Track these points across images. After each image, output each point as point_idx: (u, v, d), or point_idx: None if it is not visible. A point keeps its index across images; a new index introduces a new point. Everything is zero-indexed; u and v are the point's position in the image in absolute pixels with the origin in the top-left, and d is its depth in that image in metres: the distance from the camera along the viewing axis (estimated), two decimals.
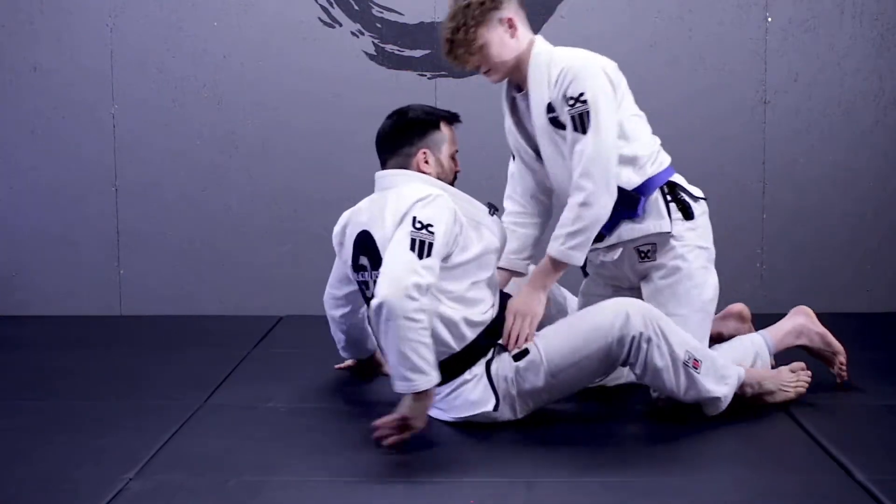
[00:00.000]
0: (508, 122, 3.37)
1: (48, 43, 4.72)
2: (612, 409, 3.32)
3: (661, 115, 4.70)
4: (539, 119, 3.19)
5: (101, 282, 4.82)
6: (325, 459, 2.92)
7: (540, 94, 3.16)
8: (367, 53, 4.72)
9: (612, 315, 3.02)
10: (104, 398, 3.53)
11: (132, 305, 4.82)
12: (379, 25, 4.70)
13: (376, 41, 4.72)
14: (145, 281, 4.81)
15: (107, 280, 4.82)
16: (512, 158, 3.47)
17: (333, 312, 3.54)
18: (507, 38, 3.18)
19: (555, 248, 3.12)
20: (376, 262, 3.06)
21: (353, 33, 4.72)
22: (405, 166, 3.22)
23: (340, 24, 4.71)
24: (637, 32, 4.68)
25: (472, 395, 3.08)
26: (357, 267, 3.20)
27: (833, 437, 3.01)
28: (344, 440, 3.07)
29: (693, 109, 4.70)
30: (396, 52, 4.71)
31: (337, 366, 3.76)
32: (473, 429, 3.10)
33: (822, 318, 4.57)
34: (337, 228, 3.35)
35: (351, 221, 3.25)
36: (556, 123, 3.15)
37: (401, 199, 3.06)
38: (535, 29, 4.63)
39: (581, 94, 3.08)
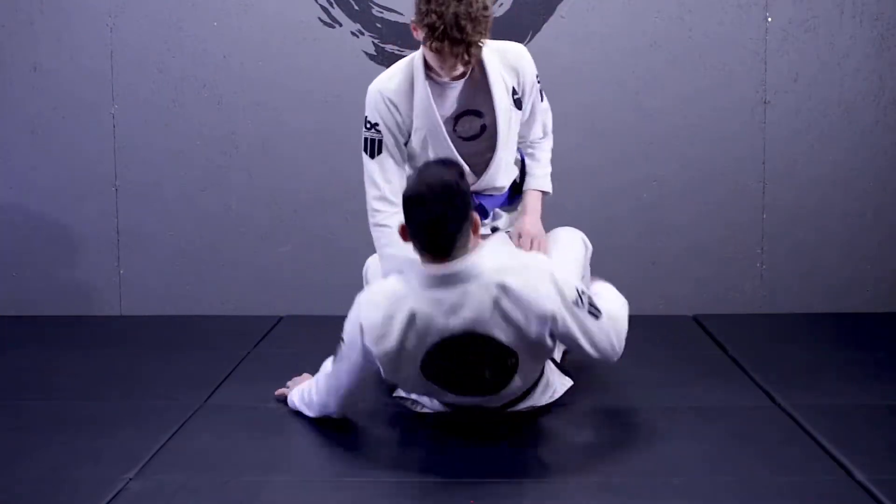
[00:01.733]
0: (430, 113, 3.30)
1: (48, 43, 4.72)
2: (612, 410, 3.32)
3: (661, 115, 4.72)
4: (503, 102, 3.36)
5: (101, 282, 4.82)
6: (325, 459, 2.92)
7: (500, 81, 3.36)
8: (367, 53, 4.72)
9: (581, 240, 3.54)
10: (104, 398, 3.53)
11: (132, 305, 4.81)
12: (379, 25, 4.70)
13: (376, 41, 4.72)
14: (145, 281, 4.81)
15: (107, 280, 4.82)
16: (371, 155, 3.37)
17: (342, 412, 3.16)
18: None
19: (548, 184, 3.59)
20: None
21: (353, 33, 4.72)
22: (467, 243, 2.88)
23: (340, 24, 4.71)
24: (637, 32, 4.68)
25: (554, 377, 3.23)
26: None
27: (833, 437, 3.01)
28: (344, 440, 3.07)
29: (693, 109, 4.70)
30: (396, 52, 4.71)
31: (278, 392, 3.45)
32: (473, 428, 3.10)
33: (822, 317, 4.61)
34: (377, 333, 2.91)
35: (430, 325, 2.86)
36: (517, 104, 3.43)
37: (544, 283, 2.86)
38: (536, 29, 4.67)
39: (536, 72, 3.47)
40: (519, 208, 3.60)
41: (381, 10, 4.69)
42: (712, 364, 3.89)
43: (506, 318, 2.84)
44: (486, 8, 3.12)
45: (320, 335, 4.36)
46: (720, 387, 3.56)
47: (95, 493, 2.68)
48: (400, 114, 3.33)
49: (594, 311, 2.94)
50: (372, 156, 3.37)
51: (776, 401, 3.40)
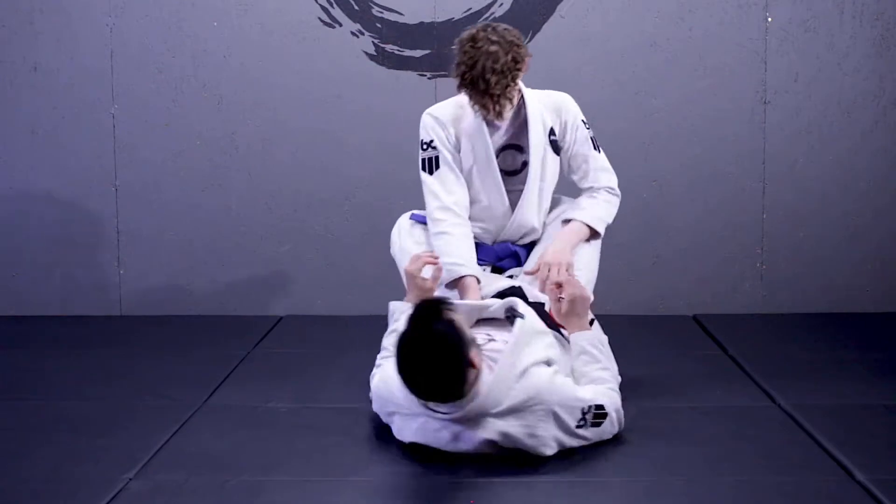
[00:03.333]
0: (482, 138, 3.45)
1: (48, 43, 4.72)
2: None
3: (661, 115, 4.72)
4: (539, 138, 3.46)
5: (101, 282, 4.82)
6: (325, 459, 2.92)
7: (539, 119, 3.46)
8: (367, 53, 4.72)
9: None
10: (104, 398, 3.53)
11: (132, 305, 4.81)
12: (379, 25, 4.70)
13: (376, 41, 4.72)
14: (145, 281, 4.81)
15: (107, 280, 4.82)
16: (430, 172, 3.48)
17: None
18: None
19: (596, 221, 3.51)
20: None
21: (353, 33, 4.72)
22: (467, 387, 2.77)
23: (340, 24, 4.71)
24: (637, 32, 4.68)
25: None
26: None
27: (833, 437, 3.01)
28: (344, 440, 3.07)
29: (693, 109, 4.70)
30: (396, 52, 4.71)
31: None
32: None
33: (822, 318, 4.61)
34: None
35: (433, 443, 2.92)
36: (554, 146, 3.50)
37: (546, 425, 2.86)
38: (536, 29, 4.67)
39: (585, 119, 3.55)
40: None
41: (381, 10, 4.70)
42: (712, 364, 3.89)
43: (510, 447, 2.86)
44: (515, 61, 3.28)
45: (320, 335, 4.38)
46: (720, 387, 3.56)
47: (95, 493, 2.67)
48: (449, 131, 3.48)
49: (598, 421, 2.94)
50: (430, 172, 3.48)
51: (776, 401, 3.40)
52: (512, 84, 3.29)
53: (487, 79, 3.24)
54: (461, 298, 3.34)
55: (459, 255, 3.40)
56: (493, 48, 3.26)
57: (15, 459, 2.93)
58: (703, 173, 4.73)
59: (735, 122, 4.71)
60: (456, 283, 3.41)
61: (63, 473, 2.82)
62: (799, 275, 4.75)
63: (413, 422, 2.90)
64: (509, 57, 3.27)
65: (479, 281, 3.40)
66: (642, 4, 4.67)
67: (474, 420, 2.80)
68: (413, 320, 2.73)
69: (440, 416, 2.82)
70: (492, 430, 2.81)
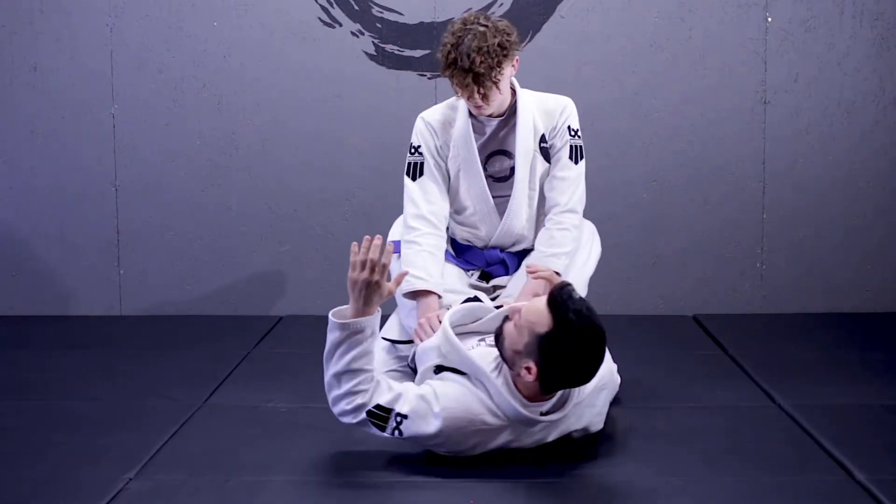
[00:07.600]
0: (468, 143, 3.42)
1: (48, 43, 4.72)
2: (612, 410, 3.32)
3: (661, 115, 4.72)
4: (526, 144, 3.42)
5: (101, 282, 4.82)
6: (325, 459, 2.92)
7: (530, 124, 3.42)
8: (367, 53, 4.72)
9: (591, 234, 3.57)
10: (104, 398, 3.53)
11: (132, 305, 4.82)
12: (379, 25, 4.70)
13: (376, 41, 4.72)
14: (145, 281, 4.81)
15: (107, 280, 4.82)
16: (413, 178, 3.47)
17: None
18: (512, 74, 3.36)
19: (561, 265, 3.40)
20: None
21: (353, 33, 4.72)
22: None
23: (340, 24, 4.71)
24: (637, 32, 4.68)
25: None
26: None
27: (833, 437, 3.01)
28: (344, 440, 3.07)
29: (693, 109, 4.70)
30: (396, 52, 4.71)
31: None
32: None
33: (821, 318, 4.61)
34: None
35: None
36: (545, 153, 3.46)
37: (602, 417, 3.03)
38: (535, 29, 4.67)
39: (578, 130, 3.48)
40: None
41: (381, 10, 4.70)
42: (712, 364, 3.89)
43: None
44: (501, 46, 3.23)
45: (320, 335, 4.37)
46: (720, 387, 3.57)
47: (95, 493, 2.67)
48: (438, 139, 3.46)
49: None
50: (414, 178, 3.47)
51: (776, 401, 3.40)
52: (497, 68, 3.22)
53: (472, 57, 3.18)
54: (420, 312, 3.30)
55: (424, 269, 3.35)
56: (482, 30, 3.23)
57: (15, 459, 2.93)
58: (702, 173, 4.74)
59: (735, 122, 4.71)
60: (416, 296, 3.36)
61: (63, 473, 2.82)
62: (799, 275, 4.75)
63: (499, 434, 2.81)
64: (496, 41, 3.22)
65: (439, 297, 3.33)
66: (642, 4, 4.67)
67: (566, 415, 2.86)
68: (571, 311, 2.66)
69: (544, 418, 2.80)
70: (574, 419, 2.88)
